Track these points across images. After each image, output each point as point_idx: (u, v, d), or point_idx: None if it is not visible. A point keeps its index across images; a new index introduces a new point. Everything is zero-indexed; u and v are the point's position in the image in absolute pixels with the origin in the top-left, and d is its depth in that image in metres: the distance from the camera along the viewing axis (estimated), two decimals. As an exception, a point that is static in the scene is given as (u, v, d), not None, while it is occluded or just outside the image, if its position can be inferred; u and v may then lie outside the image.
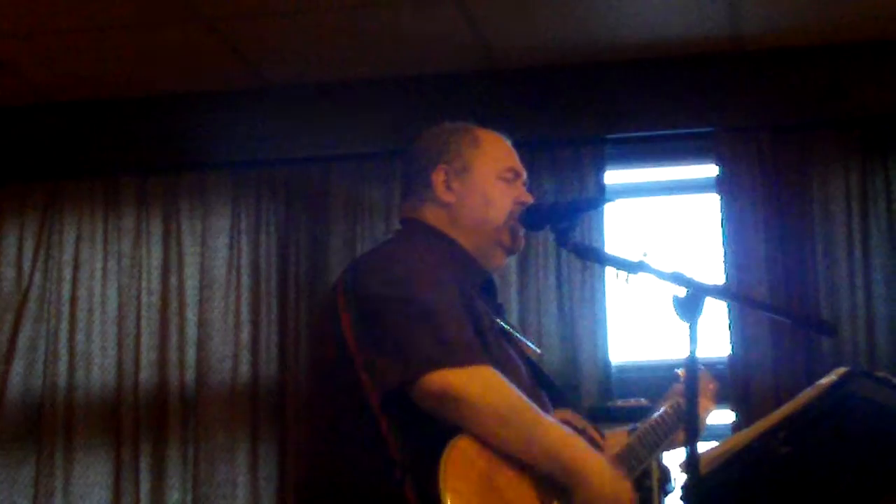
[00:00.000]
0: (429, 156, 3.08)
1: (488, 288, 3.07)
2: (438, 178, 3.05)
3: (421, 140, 3.15)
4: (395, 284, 2.76)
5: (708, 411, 3.30)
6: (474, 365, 2.66)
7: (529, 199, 3.10)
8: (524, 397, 2.69)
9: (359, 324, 2.75)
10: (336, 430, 2.79)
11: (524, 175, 3.14)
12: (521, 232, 3.09)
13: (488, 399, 2.64)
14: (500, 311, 3.09)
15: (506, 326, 3.03)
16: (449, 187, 3.04)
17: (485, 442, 2.63)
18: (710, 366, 3.40)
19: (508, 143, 3.17)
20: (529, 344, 3.17)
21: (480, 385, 2.65)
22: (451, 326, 2.69)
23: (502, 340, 2.93)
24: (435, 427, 2.62)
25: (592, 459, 2.73)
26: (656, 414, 3.12)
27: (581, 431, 2.85)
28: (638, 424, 3.08)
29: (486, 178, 3.06)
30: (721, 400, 3.41)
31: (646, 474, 2.88)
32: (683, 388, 2.93)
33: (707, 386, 3.32)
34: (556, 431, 2.72)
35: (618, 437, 3.02)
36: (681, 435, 3.07)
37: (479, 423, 2.62)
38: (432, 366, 2.63)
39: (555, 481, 2.69)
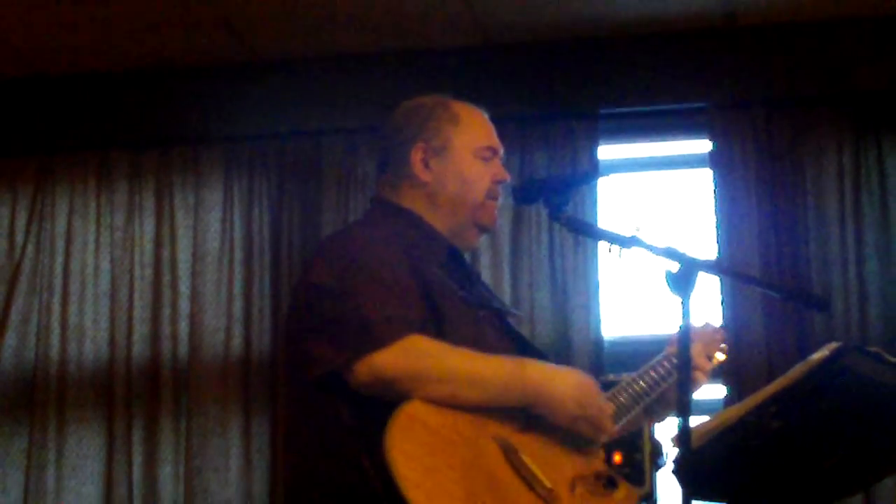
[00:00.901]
0: (407, 132, 3.07)
1: (454, 258, 3.05)
2: (416, 156, 3.04)
3: (399, 114, 3.14)
4: (332, 272, 2.80)
5: (705, 373, 3.25)
6: (398, 339, 2.68)
7: (507, 177, 3.11)
8: (457, 348, 2.71)
9: (299, 312, 2.85)
10: (300, 407, 2.85)
11: (501, 151, 3.14)
12: (497, 211, 3.10)
13: (420, 366, 2.67)
14: (469, 278, 3.08)
15: (474, 294, 3.01)
16: (427, 166, 3.04)
17: (448, 405, 2.66)
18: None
19: (486, 117, 3.16)
20: (509, 309, 3.17)
21: (408, 357, 2.67)
22: (375, 307, 2.71)
23: (464, 307, 2.91)
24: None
25: (542, 368, 2.78)
26: (645, 366, 3.10)
27: None
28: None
29: (464, 158, 3.06)
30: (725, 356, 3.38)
31: (636, 448, 2.88)
32: (676, 360, 2.94)
33: (714, 336, 3.30)
34: (496, 362, 2.74)
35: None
36: (672, 392, 3.05)
37: (421, 391, 2.65)
38: (357, 355, 2.67)
39: (520, 412, 2.72)
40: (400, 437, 2.57)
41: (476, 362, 2.72)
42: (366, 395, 2.67)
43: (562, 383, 2.77)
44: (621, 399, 2.97)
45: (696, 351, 3.15)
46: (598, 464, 2.83)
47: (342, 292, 2.75)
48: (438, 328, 2.77)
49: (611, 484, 2.81)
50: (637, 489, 2.85)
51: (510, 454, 2.70)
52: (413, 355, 2.68)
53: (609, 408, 2.85)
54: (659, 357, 3.13)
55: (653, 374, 3.07)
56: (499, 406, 2.71)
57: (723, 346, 3.33)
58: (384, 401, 2.63)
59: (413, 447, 2.58)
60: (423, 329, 2.72)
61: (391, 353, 2.66)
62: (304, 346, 2.79)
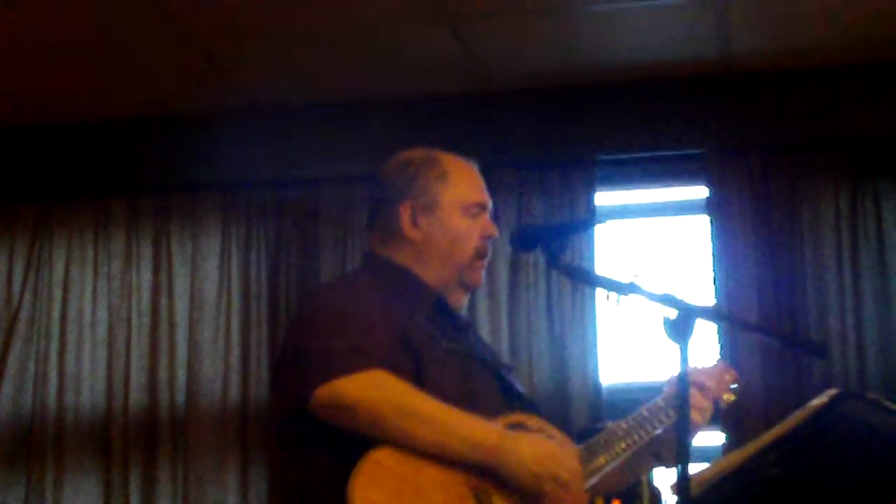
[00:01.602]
0: (395, 189, 3.08)
1: (442, 309, 3.04)
2: (405, 213, 3.04)
3: (387, 171, 3.15)
4: (304, 321, 2.89)
5: (704, 415, 3.23)
6: (362, 370, 2.69)
7: (495, 233, 3.11)
8: (420, 393, 2.70)
9: (277, 364, 2.94)
10: (282, 456, 2.87)
11: (490, 205, 3.14)
12: (483, 270, 3.10)
13: (380, 397, 2.67)
14: (458, 329, 3.06)
15: (462, 344, 3.00)
16: (415, 224, 3.04)
17: (408, 448, 2.65)
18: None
19: (475, 170, 3.15)
20: (500, 359, 3.16)
21: (369, 387, 2.68)
22: (340, 339, 2.73)
23: (448, 357, 2.90)
24: (354, 441, 2.65)
25: (504, 434, 2.73)
26: (644, 411, 3.08)
27: (536, 431, 2.84)
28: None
29: (452, 215, 3.05)
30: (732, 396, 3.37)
31: (636, 496, 2.88)
32: (675, 403, 2.91)
33: (723, 376, 3.30)
34: (458, 418, 2.71)
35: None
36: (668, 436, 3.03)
37: (377, 424, 2.65)
38: (320, 380, 2.68)
39: (484, 469, 2.69)
40: (365, 485, 2.57)
41: (438, 406, 2.70)
42: (327, 425, 2.68)
43: (527, 443, 2.74)
44: (617, 448, 2.95)
45: (702, 390, 3.15)
46: None
47: (310, 334, 2.79)
48: (418, 377, 2.76)
49: None
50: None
51: (482, 499, 2.68)
52: (374, 386, 2.68)
53: (578, 467, 2.80)
54: (659, 401, 3.11)
55: (654, 421, 3.05)
56: (459, 458, 2.68)
57: (733, 386, 3.32)
58: (355, 445, 2.62)
59: (378, 494, 2.58)
60: (392, 369, 2.72)
61: (352, 381, 2.67)
62: (276, 391, 2.86)
